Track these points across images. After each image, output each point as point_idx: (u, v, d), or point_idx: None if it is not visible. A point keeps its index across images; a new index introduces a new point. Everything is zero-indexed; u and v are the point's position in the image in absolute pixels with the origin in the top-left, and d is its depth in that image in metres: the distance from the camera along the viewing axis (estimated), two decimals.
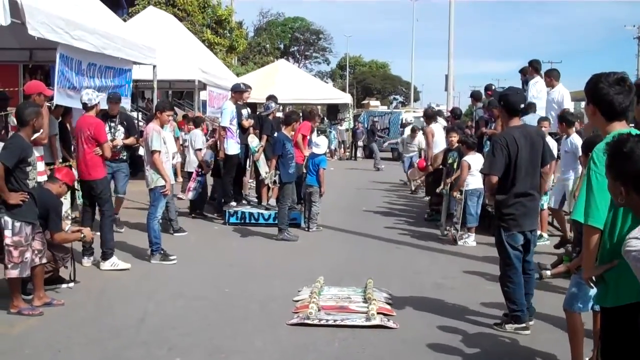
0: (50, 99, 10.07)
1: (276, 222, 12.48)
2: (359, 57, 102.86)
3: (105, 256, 9.55)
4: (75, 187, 9.78)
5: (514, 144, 6.98)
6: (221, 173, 13.82)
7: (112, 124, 11.67)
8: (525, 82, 13.57)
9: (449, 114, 19.89)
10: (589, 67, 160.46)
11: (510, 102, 7.20)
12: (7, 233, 7.03)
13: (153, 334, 6.72)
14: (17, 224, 7.04)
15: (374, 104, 58.16)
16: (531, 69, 13.31)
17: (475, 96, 15.73)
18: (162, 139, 9.99)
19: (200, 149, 14.73)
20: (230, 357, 6.15)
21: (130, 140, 11.93)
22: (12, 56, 14.56)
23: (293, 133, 12.92)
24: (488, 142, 12.12)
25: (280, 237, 11.91)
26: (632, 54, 75.35)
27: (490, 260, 9.94)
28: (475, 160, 11.59)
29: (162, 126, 10.23)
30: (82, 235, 8.39)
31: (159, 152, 9.91)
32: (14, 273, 7.11)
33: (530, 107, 11.90)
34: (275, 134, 13.36)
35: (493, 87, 15.85)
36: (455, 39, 33.28)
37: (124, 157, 12.00)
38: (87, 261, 9.54)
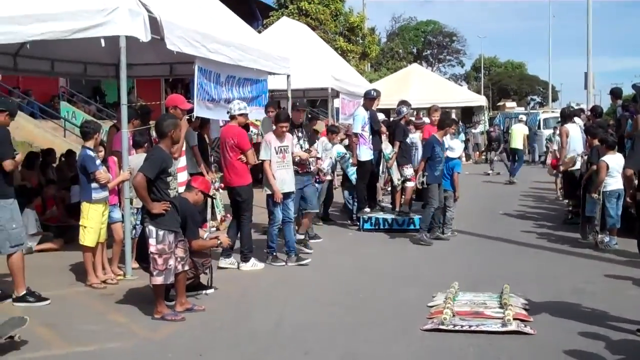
0: (190, 111, 10.44)
1: (409, 227, 12.70)
2: (494, 57, 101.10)
3: (246, 258, 9.99)
4: (213, 195, 10.12)
5: None
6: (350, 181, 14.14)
7: (301, 134, 11.15)
8: None
9: (589, 112, 19.16)
10: None
11: None
12: (152, 241, 7.36)
13: (289, 339, 6.89)
14: (161, 232, 7.36)
15: (510, 105, 56.81)
16: None
17: (615, 93, 15.12)
18: (273, 148, 10.22)
19: (319, 157, 14.69)
20: None
21: (308, 154, 11.15)
22: (154, 71, 15.24)
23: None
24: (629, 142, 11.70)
25: (418, 237, 12.09)
26: None
27: (634, 264, 9.59)
28: (615, 160, 11.16)
29: (279, 136, 10.37)
30: (219, 242, 8.69)
31: (268, 161, 10.20)
32: (158, 280, 7.44)
33: None
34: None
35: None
36: (594, 35, 32.23)
37: (310, 169, 11.33)
38: (224, 261, 9.95)
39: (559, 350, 6.39)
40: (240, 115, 10.16)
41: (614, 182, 11.23)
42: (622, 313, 7.48)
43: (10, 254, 7.93)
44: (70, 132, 22.05)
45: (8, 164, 7.83)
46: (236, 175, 10.00)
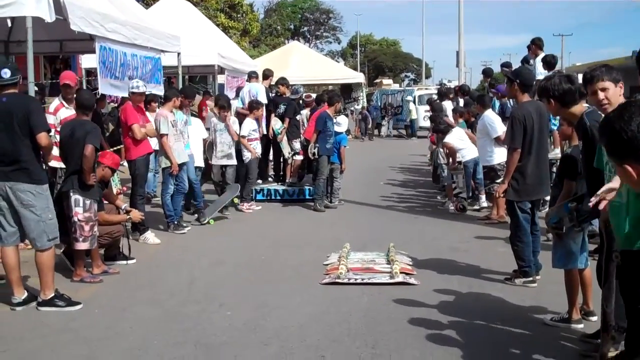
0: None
1: (300, 197, 13.64)
2: (370, 35, 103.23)
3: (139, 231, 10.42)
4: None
5: (530, 118, 7.78)
6: None
7: None
8: (526, 60, 14.46)
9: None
10: (598, 40, 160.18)
11: (526, 79, 8.06)
12: (79, 210, 7.85)
13: (204, 294, 7.60)
14: (87, 202, 7.90)
15: (387, 82, 58.60)
16: (534, 46, 14.06)
17: (486, 73, 16.48)
18: (169, 122, 10.80)
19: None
20: (274, 310, 7.00)
21: None
22: (43, 48, 15.10)
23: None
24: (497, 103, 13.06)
25: (314, 206, 13.01)
26: None
27: (500, 226, 10.79)
28: (452, 136, 12.90)
29: (171, 111, 11.04)
30: (129, 217, 9.20)
31: (167, 135, 10.75)
32: (84, 245, 7.96)
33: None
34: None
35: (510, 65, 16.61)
36: (465, 15, 33.63)
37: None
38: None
39: (440, 297, 7.38)
40: (133, 94, 10.62)
41: (469, 153, 12.77)
42: (492, 266, 8.58)
43: (43, 249, 7.03)
44: None
45: (43, 137, 6.90)
46: (131, 148, 10.46)
